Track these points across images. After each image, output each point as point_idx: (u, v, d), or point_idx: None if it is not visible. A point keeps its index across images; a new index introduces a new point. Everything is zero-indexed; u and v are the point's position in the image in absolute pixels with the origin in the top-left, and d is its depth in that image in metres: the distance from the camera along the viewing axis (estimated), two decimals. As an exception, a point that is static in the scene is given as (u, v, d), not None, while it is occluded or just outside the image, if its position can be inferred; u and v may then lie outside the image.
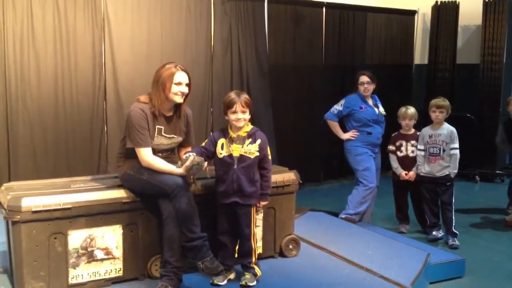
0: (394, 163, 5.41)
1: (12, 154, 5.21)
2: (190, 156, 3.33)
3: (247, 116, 3.49)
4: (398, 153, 5.41)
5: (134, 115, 3.39)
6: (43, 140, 5.37)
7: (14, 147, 5.21)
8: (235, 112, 3.47)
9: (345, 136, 5.38)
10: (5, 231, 3.43)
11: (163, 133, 3.49)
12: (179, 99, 3.46)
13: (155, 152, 3.46)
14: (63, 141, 5.47)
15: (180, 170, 3.33)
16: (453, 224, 5.13)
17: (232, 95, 3.54)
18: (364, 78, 5.31)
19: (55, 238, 3.24)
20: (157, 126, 3.46)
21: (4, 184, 3.61)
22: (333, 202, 6.37)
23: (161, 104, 3.43)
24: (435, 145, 5.15)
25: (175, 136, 3.57)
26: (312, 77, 7.42)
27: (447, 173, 5.10)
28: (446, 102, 5.19)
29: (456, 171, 5.11)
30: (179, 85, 3.43)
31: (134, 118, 3.39)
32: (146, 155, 3.38)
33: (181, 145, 3.71)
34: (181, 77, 3.44)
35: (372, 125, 5.32)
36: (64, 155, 5.47)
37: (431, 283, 4.15)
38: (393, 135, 5.53)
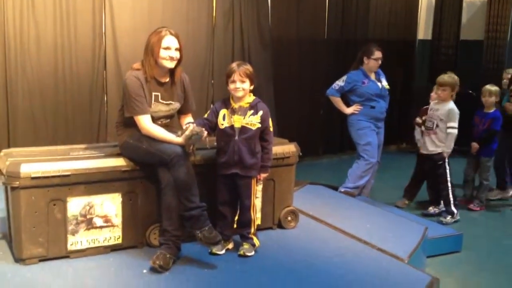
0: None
1: (11, 124, 5.19)
2: (190, 126, 3.32)
3: (246, 86, 3.46)
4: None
5: (130, 83, 3.35)
6: (43, 109, 5.34)
7: (14, 117, 5.19)
8: (233, 81, 3.44)
9: (348, 110, 5.34)
10: (4, 197, 3.43)
11: (160, 100, 3.45)
12: (169, 64, 3.40)
13: (154, 119, 3.43)
14: (63, 111, 5.44)
15: (179, 139, 3.31)
16: (451, 202, 5.09)
17: (233, 65, 3.51)
18: (380, 54, 5.25)
19: (54, 205, 3.24)
20: (153, 93, 3.42)
21: (3, 150, 3.59)
22: (332, 176, 6.38)
23: (152, 70, 3.39)
24: (431, 119, 5.12)
25: (173, 102, 3.53)
26: (314, 51, 7.37)
27: (440, 151, 5.07)
28: (449, 79, 5.08)
29: (449, 150, 5.05)
30: (167, 49, 3.36)
31: (129, 86, 3.34)
32: (145, 122, 3.36)
33: (181, 112, 3.68)
34: (169, 41, 3.37)
35: (375, 99, 5.27)
36: (64, 125, 5.45)
37: (428, 256, 4.18)
38: (422, 108, 5.50)
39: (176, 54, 3.41)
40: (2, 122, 5.13)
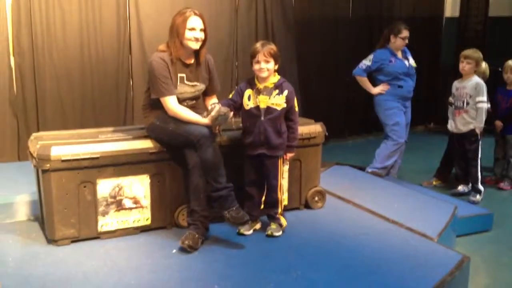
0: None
1: (40, 107, 5.25)
2: (215, 107, 3.32)
3: (270, 66, 3.43)
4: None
5: (155, 64, 3.36)
6: (70, 93, 5.39)
7: (42, 101, 5.25)
8: (258, 62, 3.42)
9: (375, 90, 5.27)
10: (35, 180, 3.50)
11: (185, 81, 3.46)
12: (194, 45, 3.40)
13: (180, 101, 3.44)
14: (90, 95, 5.49)
15: (205, 120, 3.32)
16: (479, 180, 5.04)
17: (257, 44, 3.48)
18: (407, 33, 5.16)
19: (85, 187, 3.30)
20: (179, 75, 3.43)
21: (33, 134, 3.66)
22: (358, 157, 6.32)
23: (178, 51, 3.40)
24: (459, 98, 5.03)
25: (198, 84, 3.54)
26: (339, 30, 7.28)
27: (472, 127, 4.98)
28: (475, 53, 5.00)
29: (482, 125, 4.96)
30: (192, 30, 3.37)
31: (155, 67, 3.36)
32: (171, 103, 3.37)
33: (206, 93, 3.69)
34: (194, 22, 3.37)
35: (403, 78, 5.19)
36: (91, 109, 5.50)
37: (458, 236, 4.13)
38: None
39: (201, 35, 3.41)
40: (31, 106, 5.20)
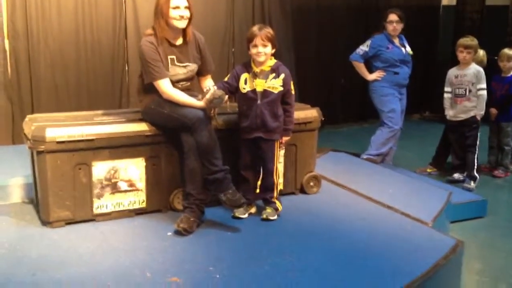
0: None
1: (34, 93, 5.23)
2: (210, 89, 3.30)
3: (268, 50, 3.42)
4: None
5: (145, 49, 3.34)
6: (65, 79, 5.38)
7: (37, 84, 5.23)
8: (255, 45, 3.40)
9: (371, 77, 5.26)
10: (30, 162, 3.48)
11: (176, 63, 3.43)
12: (179, 24, 3.36)
13: (173, 83, 3.41)
14: (85, 80, 5.47)
15: (201, 103, 3.31)
16: (475, 167, 5.08)
17: (254, 28, 3.46)
18: (393, 17, 5.14)
19: (80, 169, 3.28)
20: (169, 57, 3.40)
21: (28, 116, 3.63)
22: (353, 144, 6.34)
23: (164, 33, 3.36)
24: (460, 86, 5.04)
25: (190, 64, 3.50)
26: (336, 19, 7.27)
27: (473, 114, 5.02)
28: (474, 42, 5.06)
29: (482, 112, 5.02)
30: (177, 9, 3.32)
31: (145, 52, 3.33)
32: (165, 86, 3.35)
33: (200, 74, 3.66)
34: (178, 0, 3.33)
35: (399, 65, 5.19)
36: (86, 94, 5.49)
37: (452, 222, 4.15)
38: None
39: (186, 13, 3.36)
40: (26, 89, 5.17)
